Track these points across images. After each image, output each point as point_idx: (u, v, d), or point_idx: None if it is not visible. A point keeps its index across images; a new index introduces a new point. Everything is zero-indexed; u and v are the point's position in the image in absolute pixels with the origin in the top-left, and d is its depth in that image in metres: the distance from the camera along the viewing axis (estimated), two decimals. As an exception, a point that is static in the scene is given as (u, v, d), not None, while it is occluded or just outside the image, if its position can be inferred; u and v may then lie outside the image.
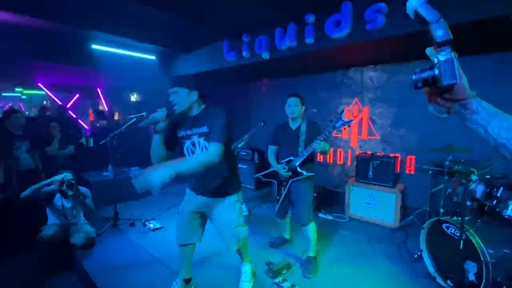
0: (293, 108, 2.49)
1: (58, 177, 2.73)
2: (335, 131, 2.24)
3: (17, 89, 8.51)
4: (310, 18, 3.23)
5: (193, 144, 1.89)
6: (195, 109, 1.90)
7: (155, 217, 3.67)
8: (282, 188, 2.61)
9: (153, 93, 6.94)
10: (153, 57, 5.35)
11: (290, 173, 2.50)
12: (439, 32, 0.68)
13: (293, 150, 2.49)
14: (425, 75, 0.70)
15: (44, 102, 8.41)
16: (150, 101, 7.42)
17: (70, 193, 2.71)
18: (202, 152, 1.84)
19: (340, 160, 4.55)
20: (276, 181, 2.69)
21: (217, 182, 1.93)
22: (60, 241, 2.68)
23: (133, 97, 7.69)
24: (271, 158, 2.68)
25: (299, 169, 2.44)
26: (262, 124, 3.65)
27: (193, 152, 1.91)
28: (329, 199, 4.29)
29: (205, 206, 2.01)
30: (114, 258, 2.72)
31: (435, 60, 0.69)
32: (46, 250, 2.59)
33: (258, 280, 2.32)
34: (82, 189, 2.97)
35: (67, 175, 2.76)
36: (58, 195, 2.76)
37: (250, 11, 3.33)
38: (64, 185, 2.69)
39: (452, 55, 0.68)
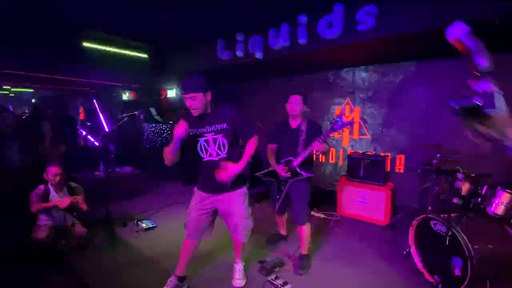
0: (295, 106, 2.48)
1: None
2: (334, 132, 2.26)
3: (4, 87, 8.31)
4: (303, 19, 3.27)
5: (207, 141, 1.93)
6: (208, 108, 1.93)
7: (148, 217, 3.65)
8: (282, 188, 2.58)
9: (146, 92, 6.89)
10: (145, 56, 5.32)
11: (289, 174, 2.49)
12: (482, 61, 0.69)
13: (292, 150, 2.49)
14: (465, 102, 0.70)
15: (33, 100, 8.24)
16: (143, 100, 7.37)
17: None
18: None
19: (332, 159, 4.62)
20: (275, 180, 2.66)
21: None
22: (52, 243, 2.65)
23: (125, 96, 7.61)
24: (270, 158, 2.65)
25: (298, 170, 2.45)
26: (260, 125, 3.68)
27: (206, 150, 1.94)
28: (322, 197, 4.34)
29: (217, 202, 2.05)
30: (106, 258, 2.70)
31: (476, 89, 0.69)
32: (38, 251, 2.55)
33: (251, 278, 2.35)
34: (75, 185, 2.94)
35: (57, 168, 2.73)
36: (52, 194, 2.73)
37: (244, 11, 3.35)
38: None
39: (493, 84, 0.68)
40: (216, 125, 1.90)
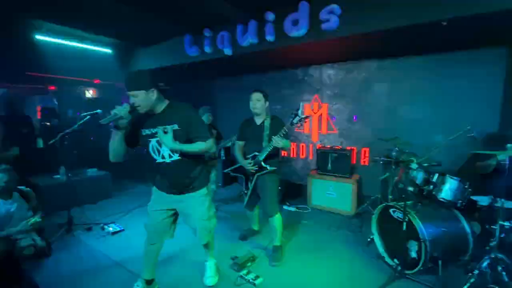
0: (255, 103, 2.55)
1: None
2: (294, 126, 2.33)
3: None
4: (270, 16, 3.29)
5: (159, 142, 1.83)
6: (158, 107, 1.84)
7: (115, 220, 3.50)
8: (249, 182, 2.67)
9: (110, 89, 6.53)
10: (108, 50, 5.03)
11: (255, 168, 2.56)
12: None
13: (258, 145, 2.56)
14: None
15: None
16: (108, 97, 6.97)
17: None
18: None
19: (302, 154, 4.75)
20: (243, 175, 2.75)
21: (188, 179, 1.93)
22: (5, 255, 2.43)
23: (88, 93, 7.15)
24: (238, 154, 2.73)
25: (263, 164, 2.52)
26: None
27: (158, 151, 1.86)
28: (294, 191, 4.46)
29: (176, 202, 1.99)
30: (69, 266, 2.55)
31: None
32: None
33: (223, 275, 2.36)
34: (27, 189, 2.73)
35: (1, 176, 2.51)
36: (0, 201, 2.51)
37: (211, 6, 3.30)
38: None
39: None
40: (167, 125, 1.81)
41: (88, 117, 3.34)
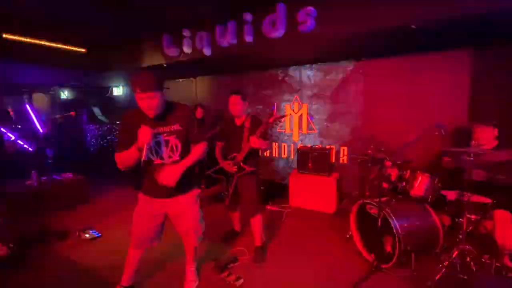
0: (235, 106, 2.55)
1: None
2: (270, 126, 2.35)
3: None
4: (248, 17, 3.31)
5: (158, 143, 1.80)
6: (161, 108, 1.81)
7: (93, 226, 3.38)
8: (230, 184, 2.68)
9: (86, 90, 6.32)
10: (82, 50, 4.85)
11: (235, 169, 2.56)
12: None
13: (238, 146, 2.56)
14: None
15: None
16: (83, 98, 6.73)
17: None
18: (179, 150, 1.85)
19: (284, 154, 4.80)
20: (224, 177, 2.75)
21: (180, 183, 1.87)
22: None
23: (64, 95, 6.87)
24: (218, 155, 2.74)
25: (242, 164, 2.53)
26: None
27: (157, 152, 1.81)
28: (276, 191, 4.49)
29: (167, 206, 1.94)
30: (41, 277, 2.43)
31: None
32: None
33: (204, 278, 2.34)
34: None
35: None
36: None
37: (190, 6, 3.27)
38: None
39: None
40: (170, 126, 1.80)
41: (60, 119, 3.23)
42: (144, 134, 1.63)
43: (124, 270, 2.05)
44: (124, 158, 1.73)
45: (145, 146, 1.63)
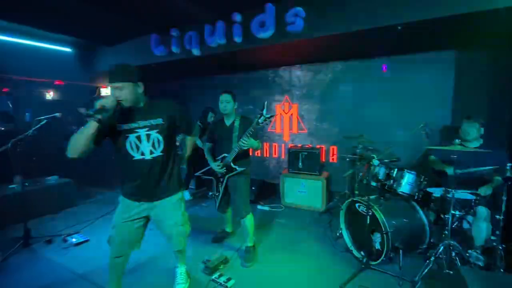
0: (225, 104, 2.55)
1: None
2: (260, 126, 2.35)
3: None
4: (237, 17, 3.29)
5: (138, 138, 1.76)
6: (140, 102, 1.78)
7: (79, 230, 3.30)
8: (220, 185, 2.66)
9: (72, 90, 6.15)
10: (68, 50, 4.73)
11: (224, 169, 2.55)
12: None
13: (228, 146, 2.54)
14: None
15: None
16: (69, 99, 6.55)
17: None
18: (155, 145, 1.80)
19: (275, 154, 4.81)
20: (214, 178, 2.73)
21: (163, 182, 1.85)
22: None
23: (49, 95, 6.66)
24: (208, 156, 2.71)
25: (232, 165, 2.51)
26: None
27: (137, 147, 1.76)
28: (267, 191, 4.51)
29: (149, 209, 1.89)
30: (26, 283, 2.36)
31: None
32: None
33: (195, 280, 2.32)
34: None
35: None
36: None
37: (178, 6, 3.22)
38: None
39: None
40: (151, 120, 1.76)
41: (44, 121, 3.13)
42: (105, 98, 1.62)
43: (109, 278, 1.98)
44: (78, 135, 1.56)
45: (101, 106, 1.55)
